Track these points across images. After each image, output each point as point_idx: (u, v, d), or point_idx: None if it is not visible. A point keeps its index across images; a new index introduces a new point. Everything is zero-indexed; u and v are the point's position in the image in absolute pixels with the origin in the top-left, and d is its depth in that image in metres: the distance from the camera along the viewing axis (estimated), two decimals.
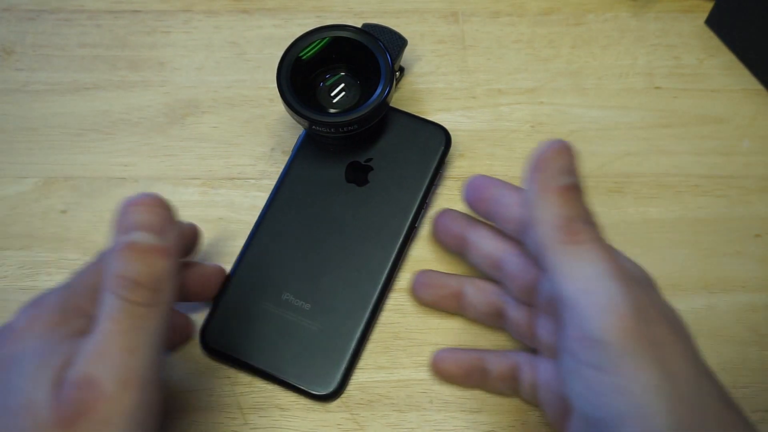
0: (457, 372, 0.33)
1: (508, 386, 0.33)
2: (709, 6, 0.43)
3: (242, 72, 0.42)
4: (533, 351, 0.33)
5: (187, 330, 0.34)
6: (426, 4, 0.44)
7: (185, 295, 0.34)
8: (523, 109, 0.41)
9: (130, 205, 0.26)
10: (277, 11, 0.44)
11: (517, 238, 0.31)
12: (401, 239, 0.36)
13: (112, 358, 0.24)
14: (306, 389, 0.33)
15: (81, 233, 0.38)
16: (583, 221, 0.27)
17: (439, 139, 0.37)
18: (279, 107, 0.40)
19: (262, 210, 0.37)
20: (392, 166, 0.37)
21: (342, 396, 0.34)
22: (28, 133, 0.41)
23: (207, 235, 0.38)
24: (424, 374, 0.35)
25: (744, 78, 0.42)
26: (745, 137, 0.40)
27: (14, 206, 0.39)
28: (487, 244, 0.33)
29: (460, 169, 0.39)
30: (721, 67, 0.42)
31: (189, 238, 0.34)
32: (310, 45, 0.36)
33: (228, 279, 0.35)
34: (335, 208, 0.36)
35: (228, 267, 0.37)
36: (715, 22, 0.42)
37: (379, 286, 0.35)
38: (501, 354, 0.33)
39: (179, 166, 0.40)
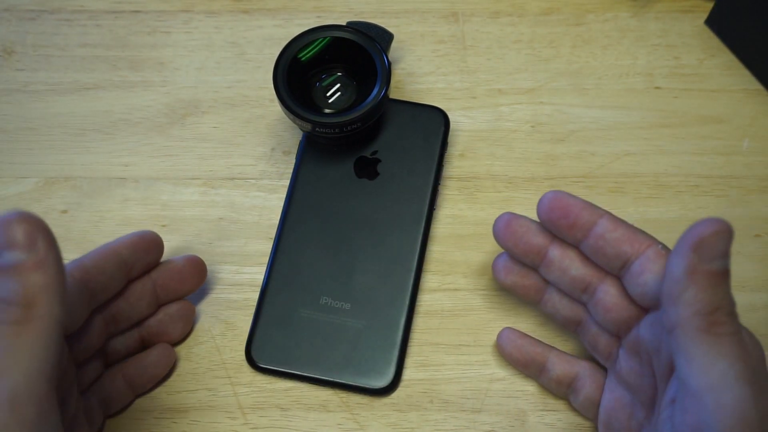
0: (516, 357, 0.34)
1: (561, 391, 0.33)
2: (709, 6, 0.43)
3: (242, 72, 0.42)
4: (597, 364, 0.33)
5: (167, 359, 0.34)
6: (426, 4, 0.44)
7: (167, 294, 0.34)
8: (523, 109, 0.41)
9: None
10: (277, 11, 0.44)
11: (612, 272, 0.30)
12: (424, 222, 0.36)
13: None
14: (365, 386, 0.34)
15: (81, 233, 0.38)
16: (727, 312, 0.25)
17: (438, 119, 0.38)
18: (279, 107, 0.41)
19: (280, 220, 0.37)
20: (398, 154, 0.38)
21: (342, 396, 0.34)
22: (28, 133, 0.41)
23: (207, 235, 0.38)
24: (424, 374, 0.35)
25: (744, 78, 0.42)
26: (745, 137, 0.40)
27: (14, 206, 0.39)
28: (576, 267, 0.31)
29: (460, 169, 0.39)
30: (721, 67, 0.42)
31: (147, 246, 0.33)
32: (307, 47, 0.37)
33: (262, 294, 0.35)
34: (352, 205, 0.37)
35: (229, 266, 0.37)
36: (715, 22, 0.42)
37: (413, 271, 0.36)
38: (565, 359, 0.33)
39: (179, 166, 0.40)
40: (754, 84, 0.41)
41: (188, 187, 0.39)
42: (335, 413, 0.34)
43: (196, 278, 0.35)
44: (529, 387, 0.35)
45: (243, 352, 0.35)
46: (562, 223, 0.30)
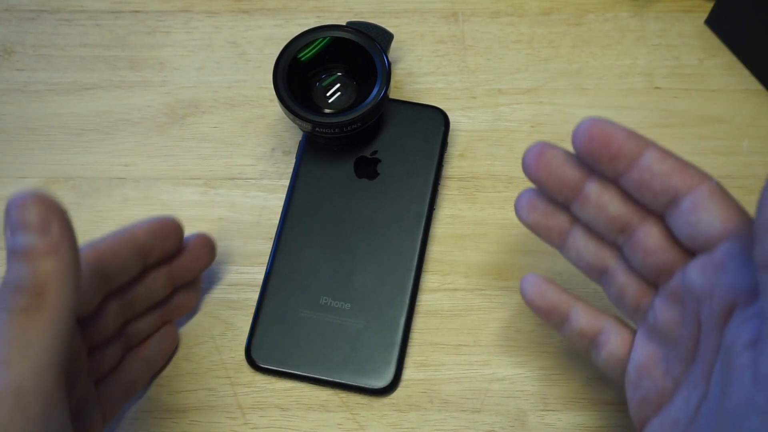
0: (539, 304, 0.30)
1: (584, 345, 0.30)
2: (709, 6, 0.43)
3: (242, 72, 0.42)
4: (622, 321, 0.30)
5: (170, 341, 0.35)
6: (426, 4, 0.44)
7: (181, 275, 0.34)
8: (523, 109, 0.41)
9: (9, 206, 0.24)
10: (277, 11, 0.44)
11: (656, 211, 0.26)
12: (424, 222, 0.36)
13: None
14: (365, 386, 0.34)
15: (81, 233, 0.38)
16: None
17: (438, 119, 0.38)
18: (279, 107, 0.41)
19: (280, 220, 0.37)
20: (398, 154, 0.38)
21: (342, 396, 0.34)
22: (28, 133, 0.41)
23: None
24: (424, 374, 0.35)
25: (744, 78, 0.42)
26: (745, 137, 0.40)
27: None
28: (615, 205, 0.27)
29: (460, 169, 0.39)
30: (721, 67, 0.42)
31: (167, 232, 0.32)
32: (307, 47, 0.37)
33: (262, 294, 0.36)
34: (352, 205, 0.37)
35: (228, 266, 0.37)
36: (715, 22, 0.42)
37: (413, 271, 0.36)
38: (591, 311, 0.30)
39: (179, 166, 0.40)
40: (754, 84, 0.41)
41: (188, 187, 0.39)
42: (335, 413, 0.34)
43: (207, 256, 0.35)
44: (529, 387, 0.35)
45: (243, 352, 0.35)
46: (604, 153, 0.26)
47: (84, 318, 0.29)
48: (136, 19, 0.44)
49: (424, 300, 0.36)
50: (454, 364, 0.35)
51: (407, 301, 0.35)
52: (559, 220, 0.29)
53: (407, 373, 0.35)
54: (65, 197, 0.39)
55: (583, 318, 0.30)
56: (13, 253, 0.24)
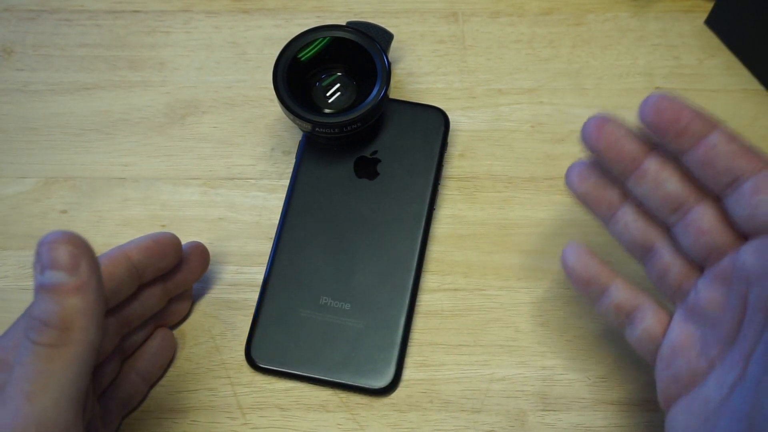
0: (581, 274, 0.30)
1: (619, 319, 0.30)
2: (709, 6, 0.43)
3: (242, 72, 0.42)
4: (659, 301, 0.30)
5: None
6: (426, 4, 0.44)
7: (176, 286, 0.34)
8: (523, 109, 0.41)
9: (40, 245, 0.25)
10: (277, 11, 0.44)
11: (715, 190, 0.26)
12: (424, 222, 0.36)
13: (10, 405, 0.24)
14: (365, 386, 0.34)
15: (81, 233, 0.38)
16: None
17: (438, 119, 0.38)
18: (279, 107, 0.41)
19: (280, 220, 0.37)
20: (398, 154, 0.38)
21: (341, 396, 0.34)
22: (28, 133, 0.41)
23: (207, 235, 0.38)
24: (424, 374, 0.35)
25: (744, 78, 0.42)
26: (745, 137, 0.40)
27: (14, 206, 0.39)
28: (673, 182, 0.27)
29: (460, 169, 0.39)
30: (721, 67, 0.42)
31: (163, 250, 0.33)
32: (307, 47, 0.37)
33: (262, 294, 0.36)
34: (352, 205, 0.37)
35: (228, 266, 0.37)
36: (715, 22, 0.42)
37: (413, 271, 0.36)
38: (630, 288, 0.30)
39: (179, 166, 0.40)
40: (754, 84, 0.41)
41: (188, 187, 0.39)
42: (335, 413, 0.34)
43: (202, 267, 0.35)
44: (529, 387, 0.35)
45: (243, 352, 0.35)
46: (671, 128, 0.26)
47: None
48: (136, 19, 0.44)
49: (424, 300, 0.36)
50: (454, 364, 0.35)
51: (407, 301, 0.35)
52: (610, 193, 0.29)
53: (407, 373, 0.35)
54: (65, 197, 0.39)
55: (622, 292, 0.30)
56: (41, 289, 0.25)
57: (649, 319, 0.29)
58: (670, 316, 0.29)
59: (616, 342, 0.35)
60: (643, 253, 0.29)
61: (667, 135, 0.26)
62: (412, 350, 0.35)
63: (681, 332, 0.28)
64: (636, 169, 0.28)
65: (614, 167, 0.28)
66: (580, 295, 0.32)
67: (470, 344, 0.35)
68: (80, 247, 0.25)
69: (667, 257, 0.29)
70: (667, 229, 0.28)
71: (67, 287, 0.24)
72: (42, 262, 0.25)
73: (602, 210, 0.30)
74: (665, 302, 0.29)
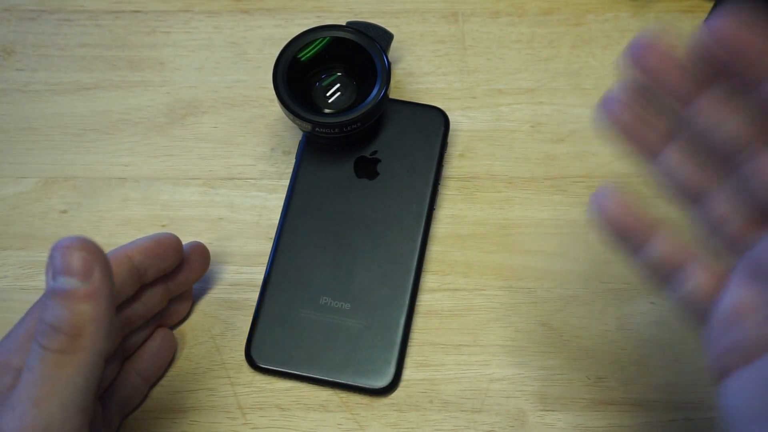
0: (621, 219, 0.25)
1: (658, 275, 0.25)
2: (709, 6, 0.43)
3: (242, 72, 0.42)
4: (712, 255, 0.25)
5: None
6: (426, 4, 0.44)
7: (177, 287, 0.34)
8: (523, 109, 0.41)
9: (54, 250, 0.25)
10: (277, 11, 0.44)
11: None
12: (424, 222, 0.36)
13: (18, 410, 0.24)
14: (365, 386, 0.34)
15: (81, 233, 0.38)
16: None
17: (438, 119, 0.38)
18: (279, 107, 0.41)
19: (280, 220, 0.37)
20: (398, 154, 0.38)
21: (342, 396, 0.34)
22: (28, 133, 0.41)
23: (207, 235, 0.38)
24: (423, 374, 0.35)
25: None
26: None
27: (14, 206, 0.39)
28: (739, 119, 0.23)
29: (460, 169, 0.39)
30: None
31: (164, 251, 0.33)
32: (307, 47, 0.37)
33: (262, 294, 0.36)
34: (352, 205, 0.37)
35: (228, 266, 0.37)
36: None
37: (413, 271, 0.36)
38: (676, 239, 0.25)
39: (179, 166, 0.40)
40: None
41: (188, 187, 0.39)
42: (335, 413, 0.34)
43: (203, 267, 0.35)
44: (529, 387, 0.35)
45: (243, 352, 0.35)
46: (748, 51, 0.21)
47: None
48: (136, 19, 0.44)
49: (424, 300, 0.36)
50: (454, 364, 0.35)
51: (407, 301, 0.35)
52: (654, 129, 0.25)
53: (407, 373, 0.35)
54: (65, 197, 0.39)
55: (667, 244, 0.25)
56: (53, 294, 0.25)
57: (700, 276, 0.24)
58: (728, 272, 0.24)
59: (616, 342, 0.35)
60: (692, 197, 0.25)
61: (741, 61, 0.21)
62: (412, 350, 0.35)
63: (743, 294, 0.24)
64: (694, 99, 0.23)
65: (668, 93, 0.24)
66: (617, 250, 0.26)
67: (470, 344, 0.35)
68: (94, 253, 0.25)
69: (725, 205, 0.24)
70: (725, 172, 0.24)
71: (79, 294, 0.24)
72: (55, 267, 0.25)
73: (648, 144, 0.25)
74: (721, 256, 0.25)
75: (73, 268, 0.24)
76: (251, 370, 0.35)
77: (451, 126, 0.39)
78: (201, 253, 0.35)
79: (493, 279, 0.37)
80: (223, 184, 0.39)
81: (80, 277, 0.24)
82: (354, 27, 0.37)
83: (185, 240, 0.35)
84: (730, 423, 0.23)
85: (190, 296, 0.36)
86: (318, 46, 0.37)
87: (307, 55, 0.37)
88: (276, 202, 0.39)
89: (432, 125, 0.38)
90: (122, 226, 0.38)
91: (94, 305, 0.25)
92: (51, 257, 0.25)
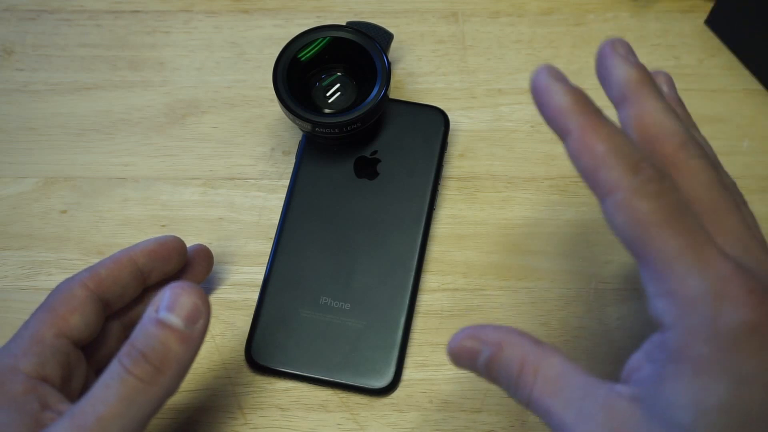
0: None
1: None
2: (709, 6, 0.43)
3: (242, 72, 0.42)
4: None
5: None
6: (426, 4, 0.44)
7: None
8: (523, 109, 0.41)
9: (170, 288, 0.26)
10: (277, 11, 0.44)
11: None
12: (424, 222, 0.36)
13: (78, 421, 0.24)
14: (365, 386, 0.34)
15: (81, 233, 0.38)
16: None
17: (438, 120, 0.38)
18: (279, 107, 0.41)
19: (280, 220, 0.37)
20: (398, 154, 0.38)
21: (341, 396, 0.34)
22: (28, 133, 0.41)
23: (207, 235, 0.38)
24: (423, 374, 0.35)
25: (744, 78, 0.42)
26: (745, 137, 0.40)
27: (14, 206, 0.39)
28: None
29: (460, 169, 0.39)
30: (721, 67, 0.42)
31: (167, 254, 0.33)
32: (307, 47, 0.37)
33: (262, 294, 0.36)
34: (352, 205, 0.37)
35: (228, 266, 0.37)
36: (715, 22, 0.42)
37: (413, 271, 0.36)
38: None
39: (179, 166, 0.40)
40: (754, 84, 0.41)
41: (188, 187, 0.39)
42: (335, 413, 0.34)
43: (206, 269, 0.35)
44: None
45: (243, 352, 0.35)
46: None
47: (88, 343, 0.30)
48: (136, 19, 0.44)
49: (424, 300, 0.36)
50: None
51: (407, 301, 0.35)
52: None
53: (407, 373, 0.35)
54: (65, 197, 0.39)
55: None
56: (157, 323, 0.25)
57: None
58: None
59: (616, 342, 0.35)
60: None
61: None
62: (412, 350, 0.35)
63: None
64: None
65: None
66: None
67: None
68: (205, 305, 0.26)
69: None
70: None
71: (179, 335, 0.25)
72: (165, 302, 0.25)
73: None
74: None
75: (183, 309, 0.25)
76: (251, 370, 0.35)
77: (451, 126, 0.39)
78: (204, 256, 0.35)
79: (493, 279, 0.37)
80: (223, 184, 0.39)
81: (186, 321, 0.25)
82: (354, 27, 0.37)
83: (186, 241, 0.35)
84: None
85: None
86: (318, 46, 0.37)
87: (307, 55, 0.37)
88: (276, 202, 0.39)
89: (432, 125, 0.38)
90: (122, 226, 0.38)
91: (186, 350, 0.25)
92: (164, 292, 0.26)
